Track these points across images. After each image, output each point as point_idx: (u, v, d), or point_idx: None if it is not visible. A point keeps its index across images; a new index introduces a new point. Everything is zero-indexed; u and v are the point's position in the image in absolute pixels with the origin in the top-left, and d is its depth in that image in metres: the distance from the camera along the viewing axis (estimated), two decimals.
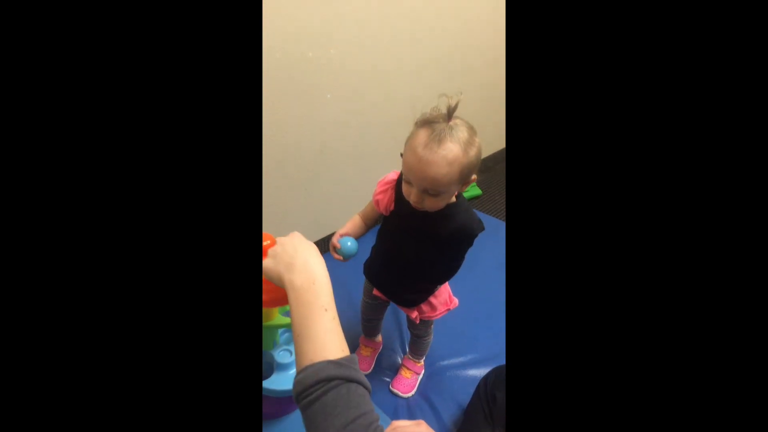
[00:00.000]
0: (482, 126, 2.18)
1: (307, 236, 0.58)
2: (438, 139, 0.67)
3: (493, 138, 2.22)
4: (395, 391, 1.11)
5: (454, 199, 0.79)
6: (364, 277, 1.02)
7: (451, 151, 0.67)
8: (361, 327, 1.16)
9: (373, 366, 1.17)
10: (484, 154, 2.21)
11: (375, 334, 1.18)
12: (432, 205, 0.74)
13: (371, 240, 0.96)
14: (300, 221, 1.42)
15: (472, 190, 2.04)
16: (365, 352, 1.18)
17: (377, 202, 0.86)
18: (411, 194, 0.74)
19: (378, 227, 0.94)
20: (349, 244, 0.82)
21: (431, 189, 0.71)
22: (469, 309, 1.32)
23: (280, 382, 0.68)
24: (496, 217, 1.84)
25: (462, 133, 0.69)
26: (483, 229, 0.82)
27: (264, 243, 0.64)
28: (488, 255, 1.56)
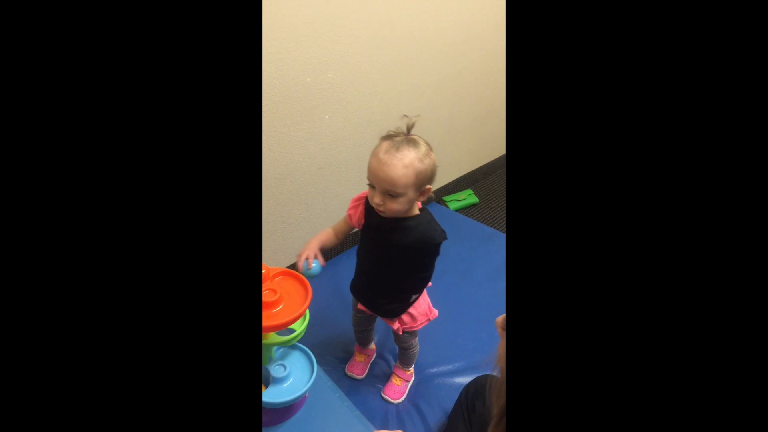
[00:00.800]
0: (477, 135, 2.21)
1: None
2: (396, 147, 0.81)
3: (492, 146, 2.27)
4: (386, 397, 1.19)
5: (417, 211, 0.90)
6: (347, 293, 1.13)
7: (407, 156, 0.80)
8: (354, 337, 1.24)
9: (366, 372, 1.25)
10: (483, 162, 2.27)
11: (368, 343, 1.26)
12: (393, 207, 0.84)
13: (350, 265, 1.08)
14: (300, 234, 1.50)
15: (470, 199, 2.10)
16: (359, 358, 1.26)
17: (350, 216, 0.98)
18: (374, 197, 0.84)
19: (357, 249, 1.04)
20: (312, 266, 0.91)
21: (390, 190, 0.81)
22: (459, 318, 1.39)
23: (275, 394, 0.76)
24: (492, 227, 1.90)
25: (418, 145, 0.83)
26: (445, 238, 0.92)
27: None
28: (481, 264, 1.62)
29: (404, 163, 0.80)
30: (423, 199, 0.88)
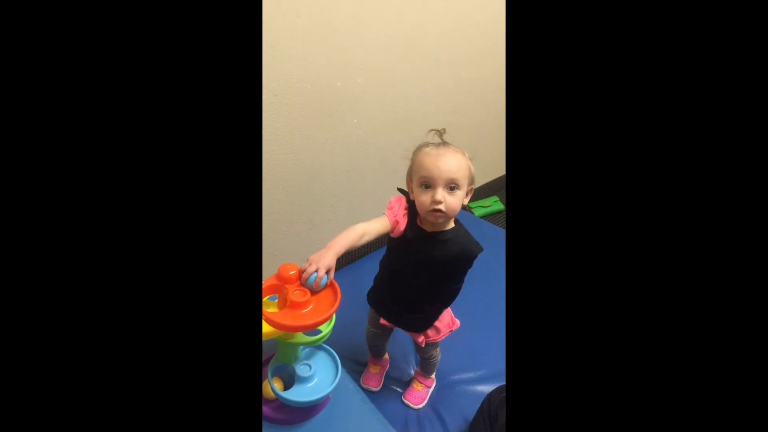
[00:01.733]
0: (504, 142, 2.20)
1: None
2: (444, 145, 0.85)
3: None
4: (407, 402, 1.18)
5: (452, 223, 0.89)
6: (367, 304, 1.08)
7: (458, 151, 0.84)
8: (368, 349, 1.22)
9: (382, 383, 1.24)
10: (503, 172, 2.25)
11: (382, 355, 1.24)
12: (453, 204, 0.82)
13: (373, 269, 1.04)
14: (326, 236, 1.51)
15: (495, 206, 2.08)
16: (374, 370, 1.24)
17: (396, 222, 0.89)
18: (435, 195, 0.80)
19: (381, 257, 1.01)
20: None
21: (453, 181, 0.81)
22: (483, 325, 1.38)
23: (300, 393, 0.77)
24: None
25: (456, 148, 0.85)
26: (482, 250, 0.91)
27: (290, 273, 0.73)
28: (501, 271, 1.60)
29: (459, 155, 0.83)
30: (468, 199, 0.88)
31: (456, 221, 0.90)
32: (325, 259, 0.76)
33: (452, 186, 0.81)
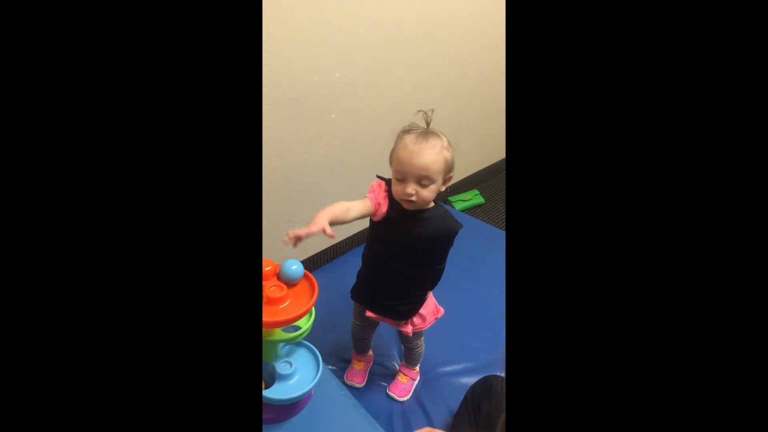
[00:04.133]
0: (483, 136, 2.22)
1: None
2: (424, 137, 0.85)
3: (499, 146, 2.26)
4: (392, 394, 1.18)
5: (432, 204, 0.92)
6: (351, 300, 1.10)
7: (436, 145, 0.84)
8: (353, 345, 1.22)
9: (366, 379, 1.23)
10: (489, 162, 2.26)
11: (367, 351, 1.25)
12: (425, 196, 0.85)
13: (355, 265, 1.06)
14: None
15: (476, 199, 2.09)
16: (358, 366, 1.24)
17: (378, 204, 0.90)
18: (406, 188, 0.84)
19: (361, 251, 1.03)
20: (294, 267, 0.73)
21: (424, 178, 0.83)
22: (466, 318, 1.38)
23: (280, 391, 0.76)
24: (498, 227, 1.89)
25: (440, 136, 0.87)
26: (461, 227, 0.93)
27: (266, 269, 0.72)
28: (487, 264, 1.62)
29: (435, 150, 0.84)
30: (445, 187, 0.91)
31: (435, 202, 0.93)
32: (319, 219, 0.79)
33: (424, 183, 0.84)
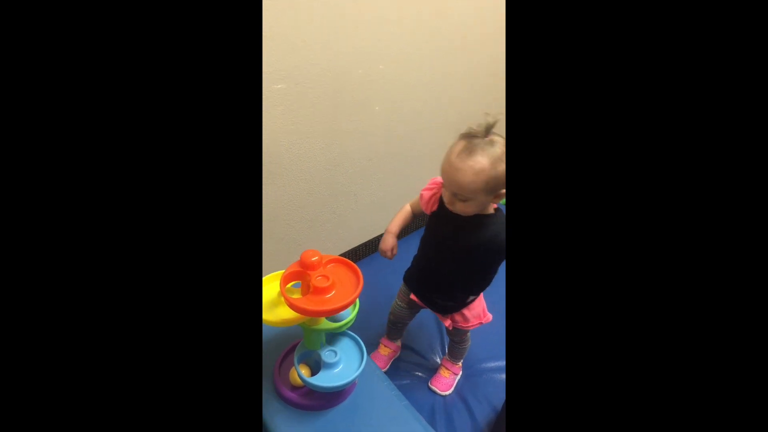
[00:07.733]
0: None
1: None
2: (469, 151, 0.77)
3: None
4: (434, 388, 1.18)
5: (492, 210, 0.86)
6: (394, 284, 1.12)
7: (479, 163, 0.76)
8: (386, 328, 1.22)
9: (389, 366, 1.23)
10: None
11: (397, 338, 1.24)
12: (462, 208, 0.83)
13: (413, 249, 1.05)
14: (349, 225, 1.51)
15: None
16: (384, 351, 1.24)
17: (422, 196, 0.95)
18: (444, 195, 0.85)
19: (420, 236, 1.02)
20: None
21: (459, 194, 0.80)
22: None
23: (326, 379, 0.77)
24: None
25: (496, 148, 0.77)
26: None
27: (312, 259, 0.73)
28: None
29: (475, 170, 0.76)
30: (497, 202, 0.85)
31: (497, 209, 0.88)
32: (385, 243, 0.99)
33: (460, 198, 0.81)
